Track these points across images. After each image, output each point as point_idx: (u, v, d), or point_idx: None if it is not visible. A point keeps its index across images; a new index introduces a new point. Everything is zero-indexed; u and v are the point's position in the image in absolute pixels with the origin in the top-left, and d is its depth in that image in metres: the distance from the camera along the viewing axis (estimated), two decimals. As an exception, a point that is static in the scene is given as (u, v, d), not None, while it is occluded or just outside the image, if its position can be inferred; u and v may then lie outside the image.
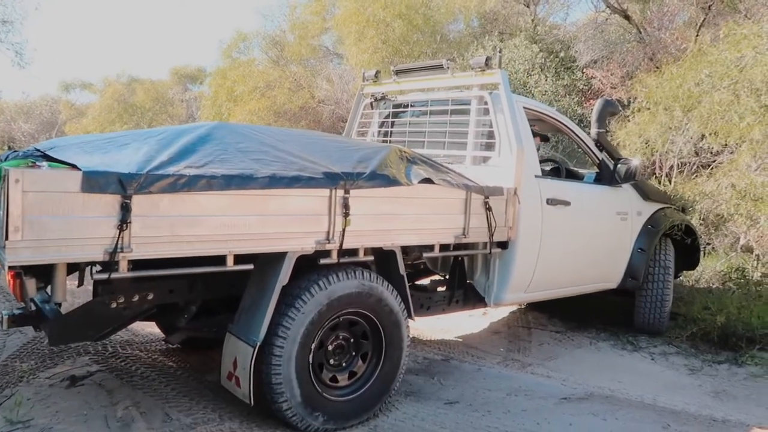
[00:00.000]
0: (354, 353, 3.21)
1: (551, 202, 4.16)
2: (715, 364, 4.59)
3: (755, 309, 5.13)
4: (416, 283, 4.44)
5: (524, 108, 4.21)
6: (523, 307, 5.77)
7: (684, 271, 5.98)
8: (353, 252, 3.11)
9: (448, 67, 4.31)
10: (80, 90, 29.94)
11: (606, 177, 4.76)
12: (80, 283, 2.42)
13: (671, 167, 7.92)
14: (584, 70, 11.10)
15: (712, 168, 6.49)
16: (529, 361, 4.47)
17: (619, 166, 4.66)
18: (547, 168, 4.91)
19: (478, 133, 4.17)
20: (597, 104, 4.91)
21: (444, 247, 3.63)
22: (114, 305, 2.76)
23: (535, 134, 4.76)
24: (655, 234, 5.03)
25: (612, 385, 4.01)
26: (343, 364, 3.18)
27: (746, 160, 4.40)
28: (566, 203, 4.26)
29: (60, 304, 2.74)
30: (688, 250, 5.54)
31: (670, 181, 7.77)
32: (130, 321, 3.16)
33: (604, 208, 4.73)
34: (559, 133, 5.29)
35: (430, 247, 3.54)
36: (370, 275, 3.13)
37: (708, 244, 7.08)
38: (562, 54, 11.51)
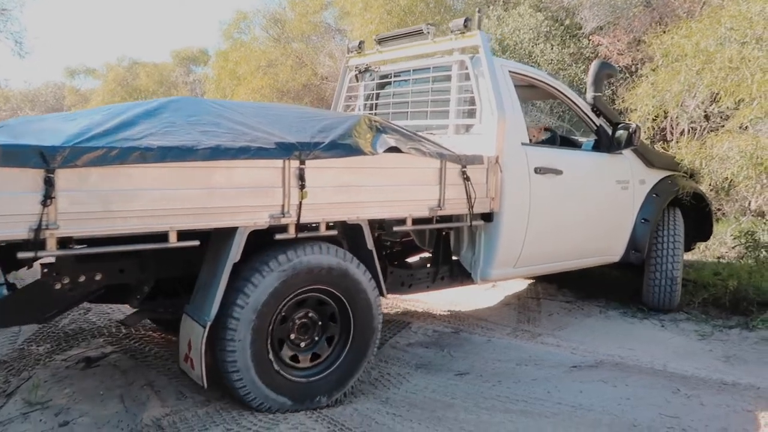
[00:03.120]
0: (320, 326, 3.11)
1: (540, 171, 3.95)
2: (726, 329, 4.59)
3: (766, 273, 5.10)
4: (401, 260, 4.33)
5: (511, 72, 4.00)
6: (532, 278, 5.78)
7: (697, 243, 5.71)
8: (314, 226, 3.00)
9: (428, 32, 4.10)
10: (84, 76, 29.93)
11: (604, 144, 4.51)
12: (29, 265, 2.38)
13: (682, 132, 7.82)
14: (590, 38, 10.91)
15: (720, 132, 6.40)
16: (539, 331, 4.48)
17: (617, 131, 4.40)
18: (543, 137, 4.70)
19: (460, 100, 3.97)
20: (593, 66, 4.61)
21: (423, 221, 3.50)
22: (59, 286, 2.68)
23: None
24: (660, 203, 4.77)
25: (622, 353, 4.02)
26: (314, 339, 3.09)
27: (749, 117, 4.31)
28: (558, 172, 4.06)
29: (13, 286, 2.70)
30: (700, 220, 5.32)
31: (680, 147, 7.68)
32: (78, 302, 3.09)
33: (601, 176, 4.50)
34: (552, 99, 5.04)
35: (403, 221, 3.39)
36: (320, 248, 2.97)
37: (718, 209, 7.03)
38: (567, 21, 11.30)
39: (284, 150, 2.75)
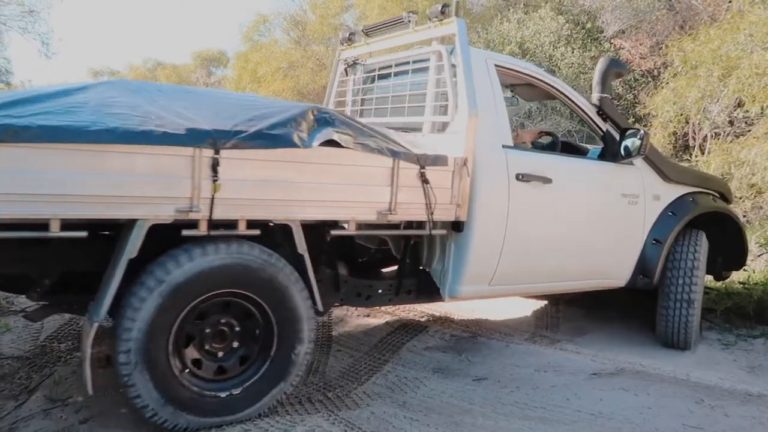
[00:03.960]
0: (238, 336, 2.82)
1: (523, 177, 3.51)
2: (750, 338, 4.50)
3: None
4: (376, 269, 3.95)
5: (498, 67, 3.61)
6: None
7: (728, 272, 5.02)
8: (231, 224, 2.68)
9: (409, 21, 3.74)
10: (108, 77, 30.43)
11: (610, 151, 3.99)
12: None
13: (704, 138, 7.69)
14: (612, 41, 10.83)
15: (747, 137, 6.30)
16: (558, 337, 4.43)
17: (625, 138, 3.88)
18: (545, 142, 4.27)
19: (437, 95, 3.59)
20: (599, 63, 4.07)
21: (379, 227, 3.25)
22: None
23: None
24: (676, 223, 4.18)
25: (643, 361, 3.96)
26: (228, 350, 2.80)
27: None
28: (546, 180, 3.61)
29: None
30: (731, 246, 4.73)
31: (702, 152, 7.58)
32: None
33: (602, 188, 3.98)
34: (552, 99, 4.52)
35: (361, 225, 3.07)
36: (235, 247, 2.67)
37: (743, 216, 6.91)
38: (588, 25, 11.24)
39: (195, 137, 2.47)
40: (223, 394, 2.75)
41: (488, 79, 3.52)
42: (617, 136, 3.99)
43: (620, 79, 7.78)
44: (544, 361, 3.89)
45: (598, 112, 4.04)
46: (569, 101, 4.02)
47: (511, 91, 4.52)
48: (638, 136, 3.83)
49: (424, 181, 3.11)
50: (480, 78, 3.45)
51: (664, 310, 4.30)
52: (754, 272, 5.45)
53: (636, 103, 10.28)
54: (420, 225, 3.31)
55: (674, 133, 8.11)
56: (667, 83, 7.15)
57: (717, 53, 4.62)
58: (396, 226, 3.31)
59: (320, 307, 2.99)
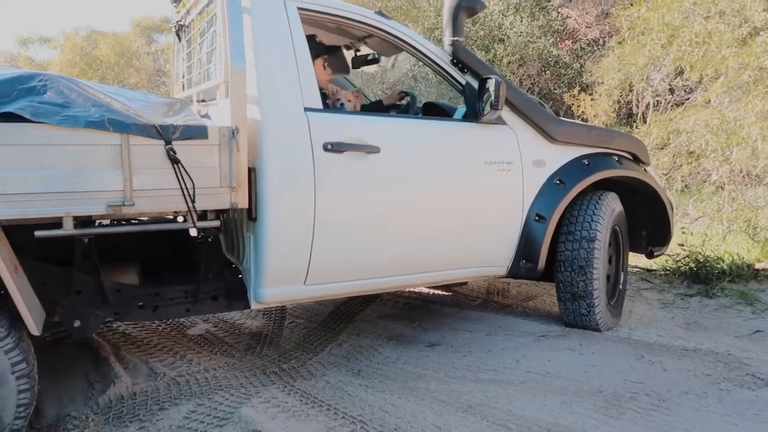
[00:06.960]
0: None
1: (334, 147, 2.82)
2: (687, 297, 4.73)
3: (726, 243, 5.26)
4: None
5: (304, 11, 2.91)
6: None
7: (658, 249, 4.46)
8: None
9: None
10: (39, 45, 28.78)
11: (472, 109, 3.28)
12: None
13: (647, 106, 7.92)
14: (559, 10, 10.94)
15: (685, 106, 6.54)
16: (508, 302, 4.55)
17: (485, 91, 3.16)
18: (403, 104, 3.72)
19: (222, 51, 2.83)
20: (447, 0, 3.31)
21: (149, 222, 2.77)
22: None
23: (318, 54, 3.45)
24: (563, 193, 3.52)
25: (588, 322, 4.11)
26: None
27: (718, 92, 4.39)
28: (371, 149, 2.93)
29: None
30: (657, 219, 4.20)
31: (645, 120, 7.83)
32: None
33: (455, 155, 3.26)
34: (397, 52, 3.78)
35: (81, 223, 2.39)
36: None
37: (682, 181, 7.21)
38: (536, -7, 11.28)
39: None
40: None
41: (285, 27, 2.83)
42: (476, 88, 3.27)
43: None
44: (495, 325, 3.99)
45: (452, 62, 3.35)
46: (415, 51, 3.29)
47: (364, 43, 3.98)
48: (492, 86, 3.12)
49: (174, 160, 2.41)
50: (271, 25, 2.80)
51: (561, 294, 3.75)
52: (691, 234, 5.71)
53: (582, 71, 10.47)
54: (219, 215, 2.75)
55: (618, 102, 8.35)
56: (613, 50, 7.32)
57: (663, 20, 4.74)
58: (182, 220, 2.62)
59: (35, 331, 2.31)
